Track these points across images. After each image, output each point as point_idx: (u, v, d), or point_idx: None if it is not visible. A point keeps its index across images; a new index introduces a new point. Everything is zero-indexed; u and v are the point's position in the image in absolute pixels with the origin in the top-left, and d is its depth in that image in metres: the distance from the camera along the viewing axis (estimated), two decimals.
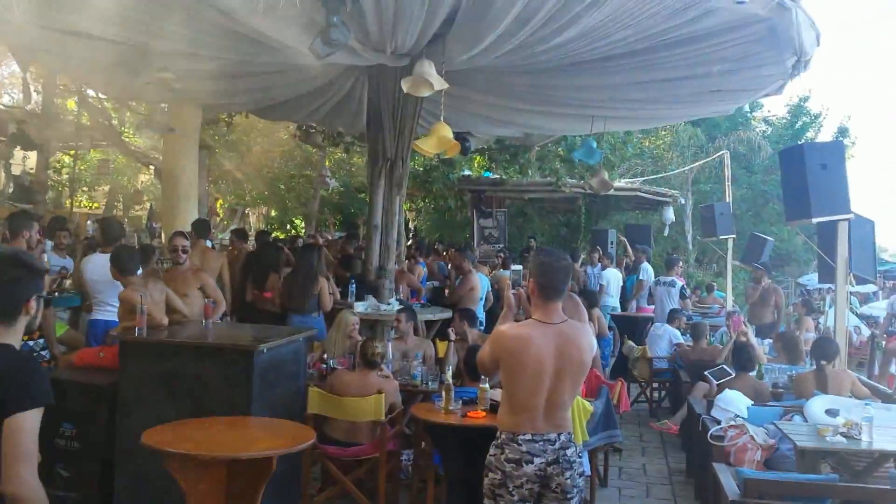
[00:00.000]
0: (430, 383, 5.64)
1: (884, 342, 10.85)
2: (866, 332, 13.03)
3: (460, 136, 8.13)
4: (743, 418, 5.38)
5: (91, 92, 14.20)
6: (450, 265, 10.74)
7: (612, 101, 8.27)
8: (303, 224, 22.10)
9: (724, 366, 6.75)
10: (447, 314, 7.94)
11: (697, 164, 19.64)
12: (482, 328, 7.40)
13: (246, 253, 8.98)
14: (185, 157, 11.06)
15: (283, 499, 4.73)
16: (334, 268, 9.12)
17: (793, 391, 6.06)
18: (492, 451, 3.32)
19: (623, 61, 6.70)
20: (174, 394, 4.53)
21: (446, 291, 9.37)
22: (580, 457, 3.38)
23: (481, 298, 8.65)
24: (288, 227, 23.15)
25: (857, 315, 14.82)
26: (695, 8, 5.30)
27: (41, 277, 2.48)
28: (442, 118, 6.86)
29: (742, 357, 6.41)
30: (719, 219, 11.86)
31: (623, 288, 12.42)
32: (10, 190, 16.06)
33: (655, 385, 9.23)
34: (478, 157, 16.76)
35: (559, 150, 14.46)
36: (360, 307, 7.19)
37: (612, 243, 15.17)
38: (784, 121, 26.54)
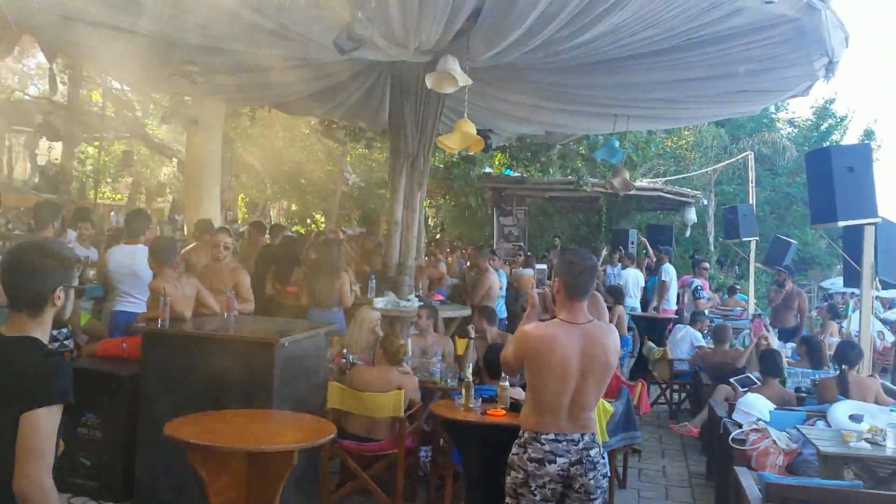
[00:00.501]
0: (448, 380, 5.64)
1: None
2: (890, 337, 12.84)
3: (482, 134, 8.09)
4: (765, 422, 5.33)
5: (116, 84, 14.33)
6: (468, 262, 10.71)
7: (636, 100, 8.19)
8: (323, 219, 22.18)
9: (749, 374, 6.67)
10: (466, 311, 7.93)
11: (721, 164, 19.46)
12: (505, 325, 7.37)
13: (263, 245, 8.91)
14: (208, 149, 11.10)
15: (303, 493, 4.74)
16: (354, 263, 9.09)
17: (815, 396, 6.00)
18: (514, 449, 3.31)
19: (648, 60, 6.63)
20: (196, 386, 4.54)
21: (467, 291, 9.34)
22: (604, 457, 3.36)
23: (501, 296, 8.62)
24: (308, 221, 23.25)
25: (880, 320, 14.62)
26: (721, 7, 5.23)
27: (71, 268, 2.35)
28: (465, 114, 6.84)
29: (768, 363, 6.30)
30: (742, 220, 11.74)
31: (644, 289, 12.36)
32: (36, 180, 16.27)
33: (675, 387, 9.17)
34: (499, 155, 16.72)
35: (580, 148, 14.38)
36: (379, 303, 7.19)
37: (632, 243, 15.10)
38: (809, 122, 26.28)
